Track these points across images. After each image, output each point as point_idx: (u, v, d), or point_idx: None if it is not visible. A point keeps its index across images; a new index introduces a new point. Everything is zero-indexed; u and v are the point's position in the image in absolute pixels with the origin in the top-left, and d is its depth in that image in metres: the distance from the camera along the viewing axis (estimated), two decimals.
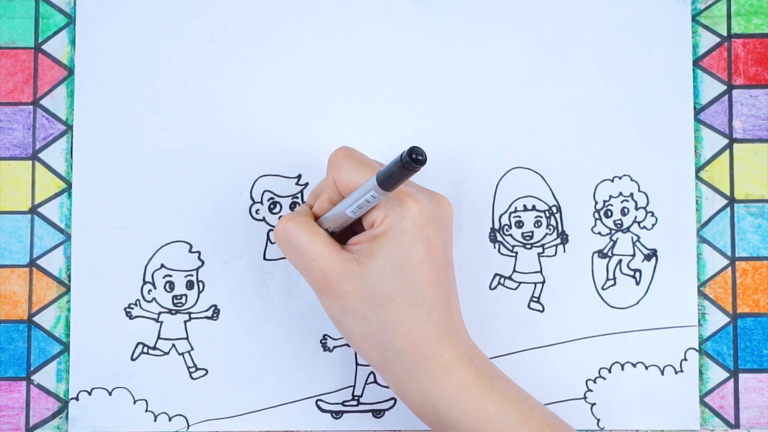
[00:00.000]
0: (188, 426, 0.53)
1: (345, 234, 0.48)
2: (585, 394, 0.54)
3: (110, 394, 0.53)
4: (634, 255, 0.54)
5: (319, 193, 0.50)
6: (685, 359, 0.54)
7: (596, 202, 0.54)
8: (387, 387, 0.53)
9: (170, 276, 0.54)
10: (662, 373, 0.54)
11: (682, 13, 0.55)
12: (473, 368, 0.46)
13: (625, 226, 0.54)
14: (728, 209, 0.54)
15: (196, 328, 0.54)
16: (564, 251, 0.54)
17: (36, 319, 0.54)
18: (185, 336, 0.54)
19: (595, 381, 0.54)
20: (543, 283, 0.54)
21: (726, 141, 0.55)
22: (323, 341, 0.54)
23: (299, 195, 0.54)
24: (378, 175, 0.43)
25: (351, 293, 0.45)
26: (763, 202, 0.54)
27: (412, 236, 0.45)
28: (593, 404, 0.54)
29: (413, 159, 0.41)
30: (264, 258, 0.54)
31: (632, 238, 0.54)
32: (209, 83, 0.55)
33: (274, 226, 0.54)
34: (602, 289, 0.54)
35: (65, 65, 0.55)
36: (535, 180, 0.54)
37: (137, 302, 0.54)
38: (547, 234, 0.54)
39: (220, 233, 0.54)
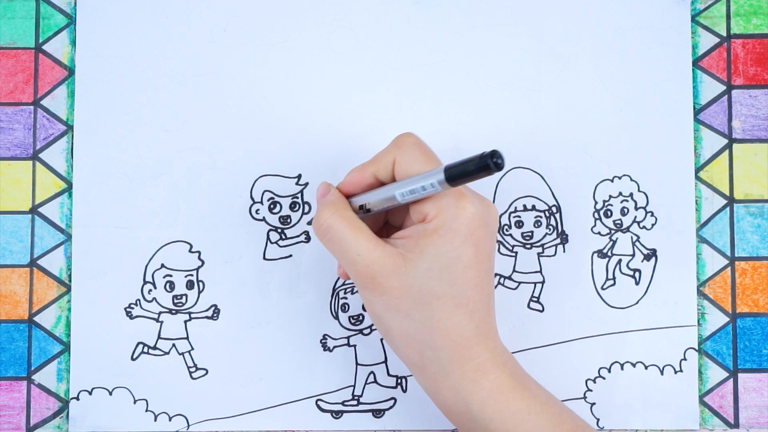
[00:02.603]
0: (188, 426, 0.53)
1: (378, 222, 0.48)
2: (585, 393, 0.54)
3: (110, 393, 0.53)
4: (633, 255, 0.54)
5: (363, 169, 0.48)
6: (685, 359, 0.54)
7: (596, 202, 0.54)
8: (387, 387, 0.53)
9: (170, 276, 0.54)
10: (662, 372, 0.54)
11: (681, 13, 0.55)
12: (507, 370, 0.46)
13: (624, 226, 0.54)
14: (728, 209, 0.54)
15: (196, 328, 0.54)
16: (564, 251, 0.54)
17: (37, 318, 0.54)
18: (185, 336, 0.54)
19: (594, 381, 0.54)
20: (543, 283, 0.54)
21: (725, 141, 0.55)
22: (323, 341, 0.54)
23: (299, 195, 0.54)
24: (447, 167, 0.42)
25: (396, 290, 0.45)
26: (762, 202, 0.54)
27: (463, 237, 0.44)
28: (593, 404, 0.54)
29: (495, 163, 0.40)
30: (264, 258, 0.54)
31: (632, 237, 0.54)
32: (209, 83, 0.55)
33: (274, 226, 0.54)
34: (602, 288, 0.54)
35: (66, 65, 0.55)
36: (535, 180, 0.54)
37: (137, 302, 0.54)
38: (546, 234, 0.54)
39: (220, 233, 0.54)
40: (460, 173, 0.42)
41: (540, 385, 0.47)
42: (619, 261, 0.54)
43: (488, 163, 0.40)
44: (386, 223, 0.50)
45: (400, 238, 0.46)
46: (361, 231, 0.46)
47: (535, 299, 0.54)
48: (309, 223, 0.54)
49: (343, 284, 0.54)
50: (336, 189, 0.49)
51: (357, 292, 0.54)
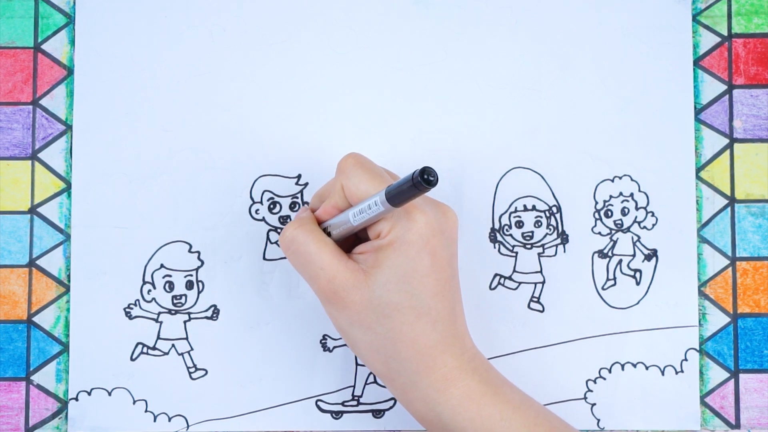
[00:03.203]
0: (188, 426, 0.53)
1: (348, 240, 0.48)
2: (585, 394, 0.54)
3: (110, 394, 0.53)
4: (634, 255, 0.54)
5: (323, 195, 0.49)
6: (686, 359, 0.54)
7: (596, 202, 0.54)
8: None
9: (170, 276, 0.54)
10: (663, 373, 0.53)
11: (682, 12, 0.55)
12: (477, 377, 0.46)
13: (625, 226, 0.54)
14: (729, 209, 0.54)
15: (195, 328, 0.54)
16: (564, 251, 0.54)
17: (35, 319, 0.54)
18: (185, 336, 0.53)
19: (595, 381, 0.54)
20: (543, 283, 0.54)
21: (726, 141, 0.55)
22: (323, 341, 0.54)
23: (299, 195, 0.54)
24: (387, 191, 0.43)
25: (357, 303, 0.45)
26: (763, 202, 0.54)
27: (418, 248, 0.45)
28: (593, 404, 0.53)
29: (425, 179, 0.41)
30: (264, 258, 0.54)
31: (632, 238, 0.54)
32: (209, 83, 0.55)
33: (274, 226, 0.54)
34: (602, 289, 0.54)
35: (65, 65, 0.55)
36: (535, 180, 0.54)
37: (137, 302, 0.54)
38: (547, 234, 0.54)
39: (219, 233, 0.54)
40: (398, 195, 0.43)
41: (516, 389, 0.47)
42: (620, 261, 0.54)
43: (419, 181, 0.41)
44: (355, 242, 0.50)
45: (360, 254, 0.46)
46: (325, 245, 0.46)
47: (535, 299, 0.54)
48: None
49: None
50: (309, 210, 0.49)
51: None
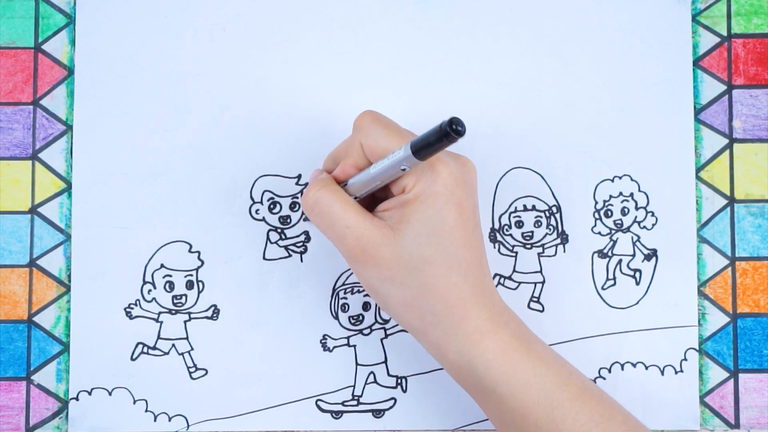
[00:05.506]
0: (188, 426, 0.53)
1: (365, 201, 0.48)
2: None
3: (110, 394, 0.53)
4: (634, 255, 0.54)
5: (337, 157, 0.49)
6: (685, 359, 0.54)
7: (596, 202, 0.54)
8: (387, 387, 0.53)
9: (170, 276, 0.54)
10: (662, 373, 0.54)
11: (682, 13, 0.55)
12: (509, 330, 0.46)
13: (625, 226, 0.54)
14: (728, 209, 0.54)
15: (195, 328, 0.54)
16: (564, 251, 0.54)
17: (36, 319, 0.54)
18: (185, 336, 0.54)
19: (595, 381, 0.54)
20: (543, 283, 0.54)
21: (726, 141, 0.55)
22: (323, 341, 0.54)
23: (299, 195, 0.54)
24: (413, 144, 0.43)
25: (387, 260, 0.45)
26: (763, 202, 0.54)
27: (444, 200, 0.45)
28: None
29: (453, 130, 0.41)
30: (264, 258, 0.54)
31: (632, 237, 0.54)
32: (209, 83, 0.55)
33: (274, 226, 0.54)
34: (602, 289, 0.54)
35: (65, 65, 0.55)
36: (535, 180, 0.54)
37: (137, 302, 0.54)
38: (547, 234, 0.54)
39: (220, 233, 0.54)
40: (425, 147, 0.42)
41: (546, 346, 0.47)
42: (620, 261, 0.54)
43: (448, 132, 0.41)
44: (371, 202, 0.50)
45: (385, 210, 0.46)
46: (349, 204, 0.46)
47: (535, 299, 0.54)
48: (305, 219, 0.54)
49: (343, 284, 0.54)
50: (326, 172, 0.49)
51: (357, 292, 0.54)
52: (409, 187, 0.45)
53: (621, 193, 0.54)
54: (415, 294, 0.45)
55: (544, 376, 0.45)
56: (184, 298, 0.54)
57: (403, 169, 0.44)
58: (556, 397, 0.45)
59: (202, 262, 0.54)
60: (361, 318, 0.54)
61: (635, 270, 0.54)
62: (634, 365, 0.54)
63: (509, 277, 0.54)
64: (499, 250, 0.54)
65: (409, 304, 0.46)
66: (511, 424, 0.45)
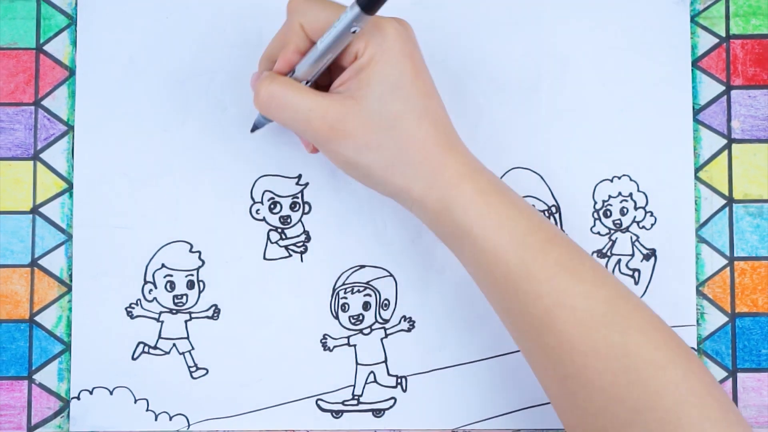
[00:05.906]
0: (189, 425, 0.53)
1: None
2: None
3: (111, 393, 0.53)
4: (633, 255, 0.54)
5: (272, 54, 0.49)
6: None
7: (595, 202, 0.54)
8: (387, 387, 0.53)
9: (171, 276, 0.54)
10: None
11: (680, 13, 0.55)
12: (486, 177, 0.47)
13: (624, 226, 0.54)
14: (727, 209, 0.54)
15: (196, 328, 0.54)
16: None
17: (37, 318, 0.54)
18: (186, 335, 0.54)
19: None
20: None
21: (725, 141, 0.55)
22: (323, 341, 0.54)
23: (299, 195, 0.54)
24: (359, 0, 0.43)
25: (359, 128, 0.46)
26: (761, 202, 0.54)
27: (398, 54, 0.46)
28: None
29: None
30: (264, 258, 0.54)
31: (631, 237, 0.54)
32: (209, 83, 0.55)
33: (274, 226, 0.54)
34: None
35: (66, 66, 0.55)
36: (535, 180, 0.55)
37: (138, 302, 0.54)
38: None
39: (220, 233, 0.54)
40: None
41: (519, 196, 0.48)
42: (619, 261, 0.54)
43: None
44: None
45: (340, 85, 0.47)
46: (303, 89, 0.47)
47: None
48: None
49: (343, 284, 0.54)
50: (267, 70, 0.49)
51: (357, 292, 0.54)
52: (361, 52, 0.46)
53: (620, 193, 0.54)
54: (394, 151, 0.46)
55: (517, 219, 0.46)
56: (184, 297, 0.54)
57: (354, 32, 0.45)
58: (527, 239, 0.45)
59: (203, 262, 0.54)
60: (361, 318, 0.54)
61: (634, 270, 0.54)
62: None
63: None
64: None
65: (390, 165, 0.46)
66: (484, 267, 0.46)
